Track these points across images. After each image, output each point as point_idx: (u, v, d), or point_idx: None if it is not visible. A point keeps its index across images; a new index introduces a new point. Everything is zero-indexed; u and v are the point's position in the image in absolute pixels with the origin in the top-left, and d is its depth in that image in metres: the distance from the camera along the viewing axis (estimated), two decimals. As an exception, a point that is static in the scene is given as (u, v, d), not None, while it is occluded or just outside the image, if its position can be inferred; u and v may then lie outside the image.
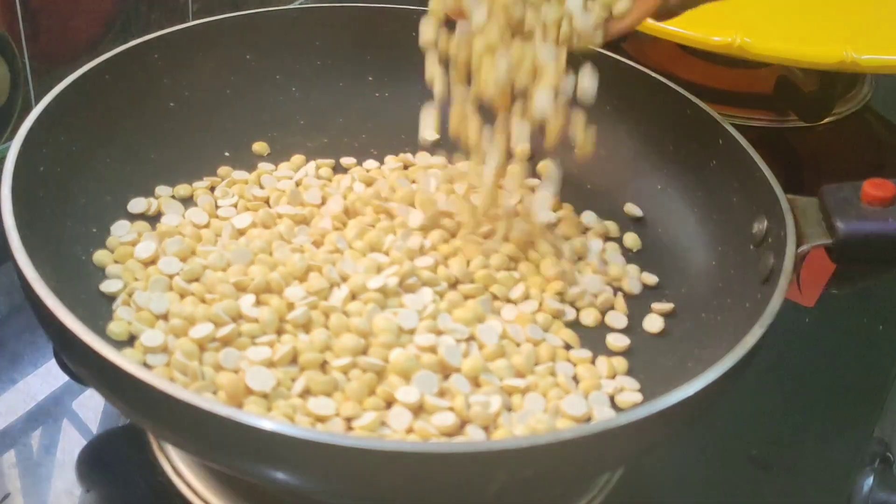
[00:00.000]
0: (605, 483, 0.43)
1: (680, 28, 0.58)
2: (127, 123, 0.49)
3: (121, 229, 0.46)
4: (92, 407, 0.45)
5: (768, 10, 0.62)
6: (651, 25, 0.59)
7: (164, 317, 0.41)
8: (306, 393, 0.39)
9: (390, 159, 0.53)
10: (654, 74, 0.51)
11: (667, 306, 0.46)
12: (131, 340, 0.41)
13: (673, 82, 0.50)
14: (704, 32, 0.58)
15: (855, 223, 0.41)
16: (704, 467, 0.46)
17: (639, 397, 0.41)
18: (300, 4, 0.56)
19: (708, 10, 0.60)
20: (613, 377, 0.42)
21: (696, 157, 0.49)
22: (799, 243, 0.41)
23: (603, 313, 0.45)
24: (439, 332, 0.42)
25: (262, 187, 0.49)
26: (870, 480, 0.46)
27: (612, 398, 0.41)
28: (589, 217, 0.50)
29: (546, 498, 0.41)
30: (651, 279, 0.47)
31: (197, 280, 0.43)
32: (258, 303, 0.42)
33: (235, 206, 0.48)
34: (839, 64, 0.57)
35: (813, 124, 0.67)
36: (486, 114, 0.46)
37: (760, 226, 0.43)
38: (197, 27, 0.51)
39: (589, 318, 0.45)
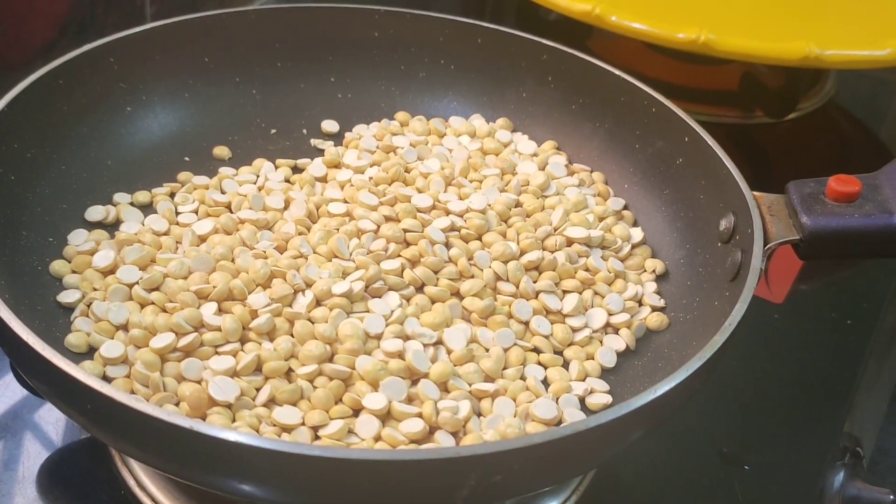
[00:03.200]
0: (579, 483, 0.43)
1: (645, 25, 0.58)
2: (83, 129, 0.48)
3: (78, 238, 0.45)
4: (52, 421, 0.44)
5: (732, 7, 0.62)
6: (616, 23, 0.59)
7: (125, 327, 0.40)
8: (271, 402, 0.38)
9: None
10: (618, 72, 0.51)
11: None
12: (90, 352, 0.40)
13: (639, 80, 0.50)
14: (669, 29, 0.58)
15: (821, 219, 0.41)
16: (676, 465, 0.46)
17: (608, 399, 0.41)
18: (259, 6, 0.55)
19: (672, 6, 0.61)
20: (584, 379, 0.42)
21: (662, 155, 0.49)
22: (766, 240, 0.41)
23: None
24: (407, 338, 0.41)
25: (223, 192, 0.49)
26: (840, 475, 0.46)
27: (582, 400, 0.41)
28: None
29: (518, 501, 0.41)
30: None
31: (157, 289, 0.42)
32: (220, 311, 0.41)
33: (196, 212, 0.47)
34: (803, 60, 0.57)
35: (778, 120, 0.67)
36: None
37: (728, 223, 0.43)
38: (153, 30, 0.50)
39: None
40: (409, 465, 0.32)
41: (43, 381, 0.35)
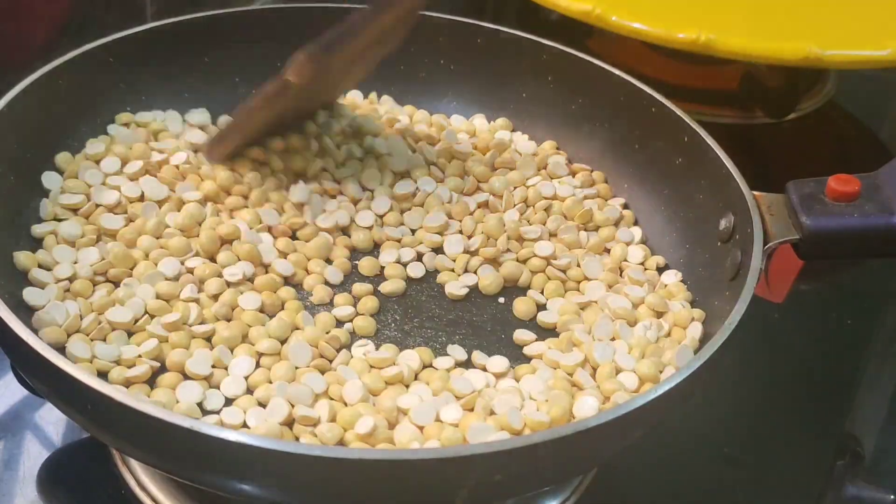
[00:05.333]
0: (579, 483, 0.43)
1: (645, 25, 0.58)
2: (82, 129, 0.48)
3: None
4: (52, 421, 0.44)
5: (732, 7, 0.62)
6: (616, 23, 0.59)
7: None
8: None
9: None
10: (617, 72, 0.51)
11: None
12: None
13: (639, 80, 0.50)
14: (669, 29, 0.58)
15: (821, 219, 0.41)
16: (677, 465, 0.46)
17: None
18: (259, 6, 0.55)
19: (672, 6, 0.61)
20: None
21: (661, 155, 0.49)
22: (766, 240, 0.41)
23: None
24: None
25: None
26: (841, 476, 0.46)
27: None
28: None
29: (518, 501, 0.41)
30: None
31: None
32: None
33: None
34: (804, 59, 0.57)
35: (778, 120, 0.67)
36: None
37: (727, 223, 0.44)
38: (152, 29, 0.50)
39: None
40: (410, 465, 0.32)
41: (43, 381, 0.35)
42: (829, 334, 0.54)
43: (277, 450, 0.31)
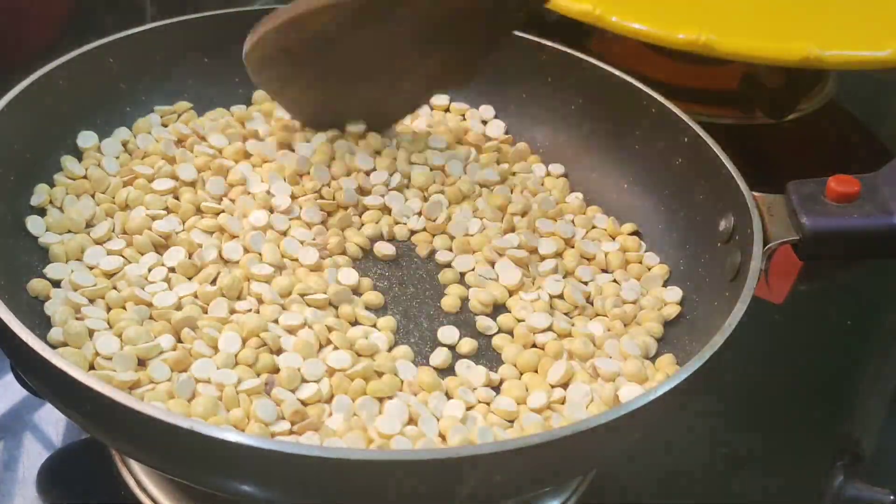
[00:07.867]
0: (579, 483, 0.43)
1: (645, 25, 0.58)
2: (83, 130, 0.47)
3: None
4: (52, 421, 0.44)
5: (732, 7, 0.62)
6: (616, 23, 0.59)
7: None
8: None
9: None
10: (617, 73, 0.51)
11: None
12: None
13: (639, 80, 0.50)
14: (669, 30, 0.58)
15: (820, 219, 0.41)
16: (676, 465, 0.46)
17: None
18: (260, 6, 0.55)
19: (672, 6, 0.61)
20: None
21: (661, 156, 0.49)
22: (766, 240, 0.41)
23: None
24: None
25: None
26: (840, 475, 0.46)
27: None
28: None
29: (518, 501, 0.41)
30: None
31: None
32: None
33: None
34: (804, 60, 0.57)
35: (778, 121, 0.67)
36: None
37: (727, 223, 0.44)
38: (152, 30, 0.50)
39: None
40: (409, 466, 0.32)
41: (43, 381, 0.35)
42: (829, 335, 0.54)
43: (277, 450, 0.31)
